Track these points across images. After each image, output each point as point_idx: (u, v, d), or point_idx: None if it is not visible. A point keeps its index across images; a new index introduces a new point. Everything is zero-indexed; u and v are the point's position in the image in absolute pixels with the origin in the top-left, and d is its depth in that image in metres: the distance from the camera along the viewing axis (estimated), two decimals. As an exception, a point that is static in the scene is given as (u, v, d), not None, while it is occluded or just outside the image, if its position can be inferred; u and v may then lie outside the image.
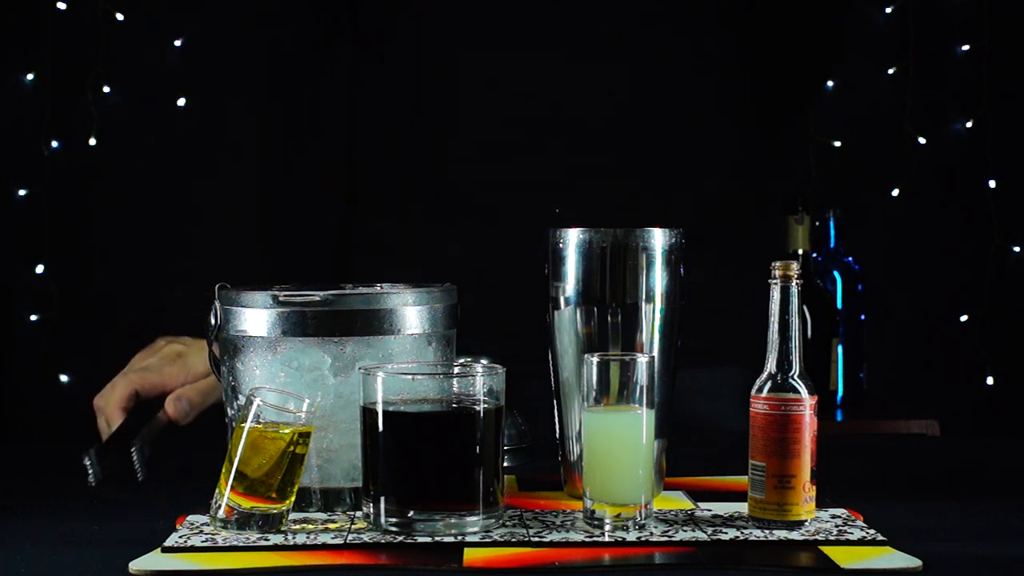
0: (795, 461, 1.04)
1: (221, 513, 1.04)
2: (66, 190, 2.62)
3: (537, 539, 1.02)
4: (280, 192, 2.68)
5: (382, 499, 1.04)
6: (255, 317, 1.12)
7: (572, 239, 1.16)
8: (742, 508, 1.09)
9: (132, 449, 1.25)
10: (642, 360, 1.05)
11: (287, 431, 1.05)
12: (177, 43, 2.59)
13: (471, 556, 0.98)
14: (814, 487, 1.05)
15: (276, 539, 1.02)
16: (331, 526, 1.07)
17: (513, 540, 1.01)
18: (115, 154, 2.63)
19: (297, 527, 1.06)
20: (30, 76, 2.62)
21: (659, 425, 1.11)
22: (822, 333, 2.38)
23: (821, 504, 1.09)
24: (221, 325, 1.16)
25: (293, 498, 1.07)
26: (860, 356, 2.46)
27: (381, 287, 1.19)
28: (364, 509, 1.06)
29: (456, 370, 1.09)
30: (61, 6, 2.62)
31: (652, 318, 1.15)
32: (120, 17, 2.60)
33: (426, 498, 1.03)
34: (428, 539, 1.01)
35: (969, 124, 2.56)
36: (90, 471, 1.22)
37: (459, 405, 1.05)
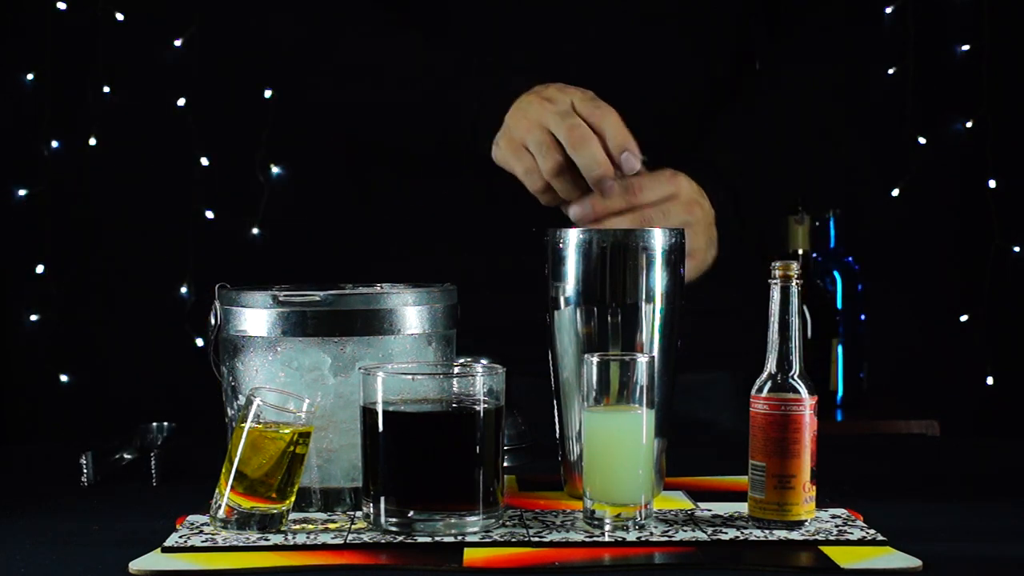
0: (795, 461, 1.04)
1: (221, 513, 1.04)
2: (66, 190, 2.63)
3: (537, 539, 1.02)
4: (282, 192, 2.68)
5: (382, 499, 1.04)
6: (255, 317, 1.12)
7: (572, 239, 1.15)
8: (742, 508, 1.09)
9: (151, 455, 1.26)
10: (642, 360, 1.05)
11: (287, 431, 1.05)
12: (177, 43, 2.59)
13: (471, 556, 0.98)
14: (814, 487, 1.05)
15: (276, 539, 1.02)
16: (331, 526, 1.07)
17: (513, 540, 1.01)
18: (115, 154, 2.62)
19: (297, 527, 1.06)
20: (30, 76, 2.62)
21: (659, 425, 1.11)
22: (822, 333, 2.38)
23: (821, 504, 1.09)
24: (221, 325, 1.16)
25: (293, 498, 1.07)
26: (860, 356, 2.46)
27: (381, 287, 1.19)
28: (364, 509, 1.06)
29: (456, 370, 1.09)
30: (61, 6, 2.62)
31: (652, 318, 1.15)
32: (120, 17, 2.60)
33: (426, 498, 1.03)
34: (428, 539, 1.01)
35: (969, 124, 2.56)
36: (85, 471, 1.23)
37: (459, 405, 1.05)
